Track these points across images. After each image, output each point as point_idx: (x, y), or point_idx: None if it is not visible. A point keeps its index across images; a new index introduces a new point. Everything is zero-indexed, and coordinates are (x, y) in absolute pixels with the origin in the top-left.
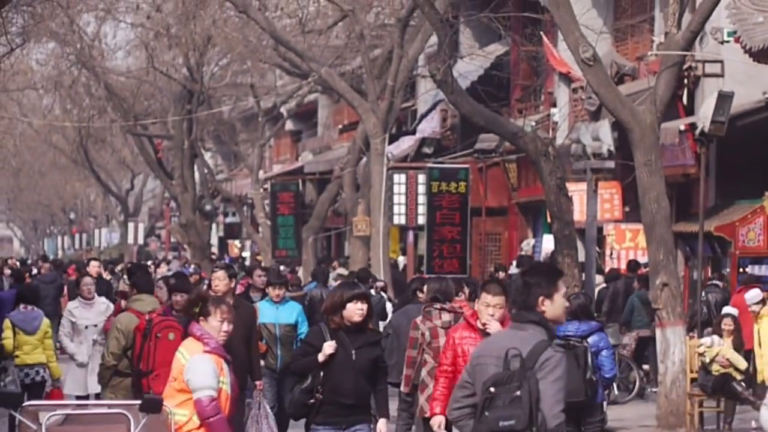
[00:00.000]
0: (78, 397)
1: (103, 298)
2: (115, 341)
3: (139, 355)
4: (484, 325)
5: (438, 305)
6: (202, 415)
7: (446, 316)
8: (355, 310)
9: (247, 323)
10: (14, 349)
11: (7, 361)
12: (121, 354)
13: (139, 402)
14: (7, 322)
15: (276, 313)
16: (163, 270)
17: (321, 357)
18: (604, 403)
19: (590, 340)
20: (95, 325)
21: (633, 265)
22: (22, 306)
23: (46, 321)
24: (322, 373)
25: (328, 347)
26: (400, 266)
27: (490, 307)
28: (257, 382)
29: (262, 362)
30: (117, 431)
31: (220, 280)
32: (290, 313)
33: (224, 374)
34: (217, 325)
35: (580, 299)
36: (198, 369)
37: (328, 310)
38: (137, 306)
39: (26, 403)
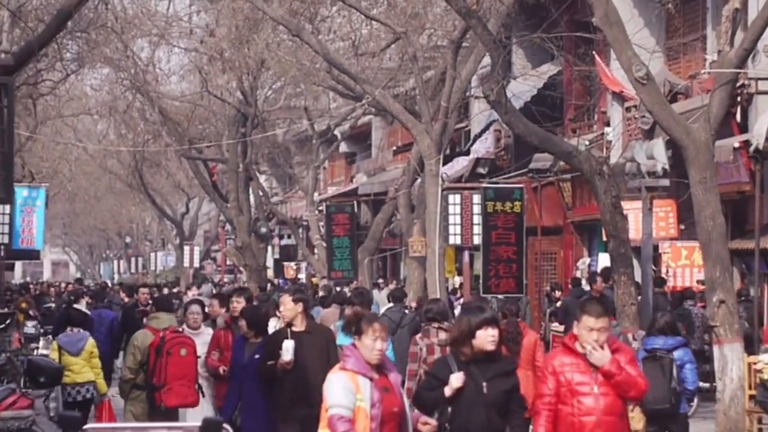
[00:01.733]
0: None
1: (209, 329)
2: (131, 357)
3: (153, 370)
4: (586, 353)
5: (436, 324)
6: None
7: (443, 335)
8: (486, 338)
9: (323, 348)
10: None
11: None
12: (138, 368)
13: (198, 424)
14: (54, 344)
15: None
16: (193, 293)
17: (448, 391)
18: (687, 414)
19: (676, 354)
20: (199, 357)
21: (659, 282)
22: (69, 329)
23: (90, 341)
24: (449, 409)
25: (456, 380)
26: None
27: (593, 331)
28: None
29: None
30: None
31: (285, 305)
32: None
33: (361, 392)
34: (369, 344)
35: (666, 317)
36: (329, 386)
37: (456, 340)
38: (154, 323)
39: (87, 426)
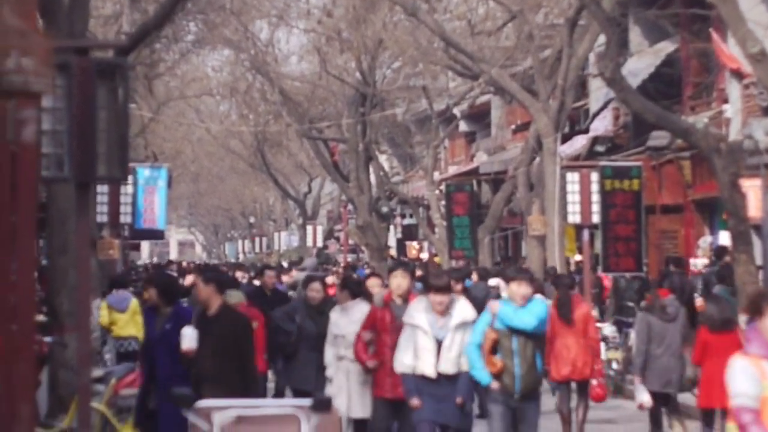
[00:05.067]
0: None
1: (363, 304)
2: None
3: None
4: None
5: None
6: (738, 424)
7: None
8: None
9: (234, 336)
10: (110, 324)
11: (106, 335)
12: None
13: (310, 401)
14: (102, 303)
15: (516, 319)
16: (293, 275)
17: None
18: None
19: None
20: (343, 336)
21: (719, 251)
22: (114, 290)
23: (134, 301)
24: None
25: None
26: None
27: None
28: None
29: (495, 385)
30: (288, 431)
31: (197, 287)
32: (536, 317)
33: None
34: None
35: None
36: (731, 374)
37: None
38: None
39: (198, 403)
